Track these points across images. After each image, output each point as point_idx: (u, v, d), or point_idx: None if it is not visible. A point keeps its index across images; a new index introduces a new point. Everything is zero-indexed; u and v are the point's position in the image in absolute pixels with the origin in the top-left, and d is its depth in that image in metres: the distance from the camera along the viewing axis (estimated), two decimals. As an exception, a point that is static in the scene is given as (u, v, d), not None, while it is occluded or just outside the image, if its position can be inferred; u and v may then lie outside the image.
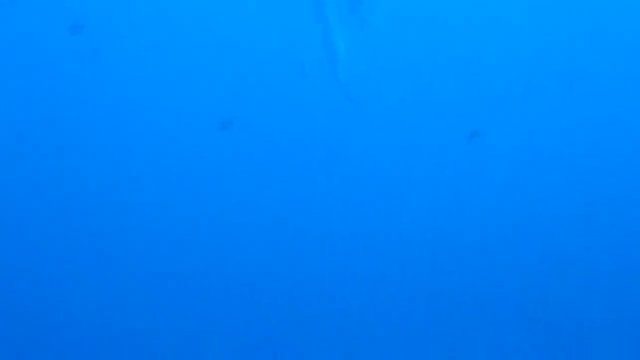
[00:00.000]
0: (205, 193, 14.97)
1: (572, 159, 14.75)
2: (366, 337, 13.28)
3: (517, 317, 13.07)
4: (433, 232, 14.27)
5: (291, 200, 14.85)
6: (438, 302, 13.49)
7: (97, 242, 14.07)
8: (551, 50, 15.35)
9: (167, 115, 15.53)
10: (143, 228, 14.35)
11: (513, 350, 12.79)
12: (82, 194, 14.52)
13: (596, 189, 14.43)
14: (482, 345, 12.91)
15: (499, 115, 15.25)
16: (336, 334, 13.31)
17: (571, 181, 14.53)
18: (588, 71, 15.27)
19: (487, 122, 15.26)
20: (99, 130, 15.11)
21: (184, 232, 14.50)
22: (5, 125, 14.88)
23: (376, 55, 15.21)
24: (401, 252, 14.12)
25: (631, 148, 14.59)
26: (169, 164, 15.14)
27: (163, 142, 15.30)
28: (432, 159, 15.06)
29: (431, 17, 15.47)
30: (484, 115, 15.31)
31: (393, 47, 15.40)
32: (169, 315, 13.47)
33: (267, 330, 13.35)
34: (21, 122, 14.92)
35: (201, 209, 14.78)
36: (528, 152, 14.92)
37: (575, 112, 15.10)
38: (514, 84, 15.41)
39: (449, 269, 13.78)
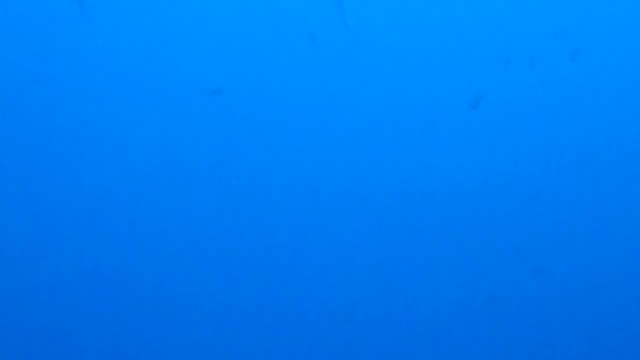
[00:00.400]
0: (200, 161, 14.62)
1: (578, 130, 14.62)
2: (352, 261, 13.51)
3: (507, 249, 13.39)
4: (431, 187, 14.30)
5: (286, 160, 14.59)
6: (435, 240, 13.71)
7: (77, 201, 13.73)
8: (559, 15, 15.03)
9: (161, 77, 15.07)
10: (125, 194, 13.98)
11: (496, 278, 13.24)
12: (70, 152, 14.17)
13: (600, 158, 14.36)
14: (468, 270, 13.32)
15: (505, 81, 15.03)
16: (328, 257, 13.50)
17: (575, 150, 14.44)
18: (595, 39, 14.99)
19: (491, 87, 15.04)
20: (87, 91, 14.67)
21: (171, 200, 14.16)
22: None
23: (384, 8, 14.92)
24: (398, 202, 14.19)
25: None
26: (161, 126, 14.73)
27: (156, 105, 14.88)
28: (435, 120, 14.88)
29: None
30: (488, 80, 15.09)
31: (401, 4, 15.09)
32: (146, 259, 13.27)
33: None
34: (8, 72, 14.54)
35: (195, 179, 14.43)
36: (532, 119, 14.78)
37: (580, 81, 14.89)
38: (522, 49, 15.14)
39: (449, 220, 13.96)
